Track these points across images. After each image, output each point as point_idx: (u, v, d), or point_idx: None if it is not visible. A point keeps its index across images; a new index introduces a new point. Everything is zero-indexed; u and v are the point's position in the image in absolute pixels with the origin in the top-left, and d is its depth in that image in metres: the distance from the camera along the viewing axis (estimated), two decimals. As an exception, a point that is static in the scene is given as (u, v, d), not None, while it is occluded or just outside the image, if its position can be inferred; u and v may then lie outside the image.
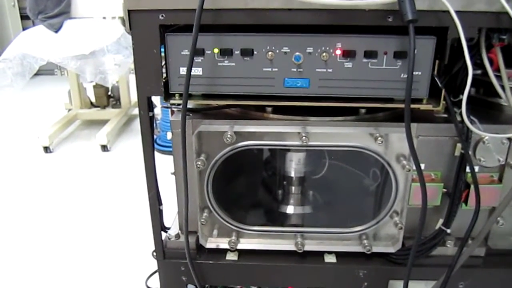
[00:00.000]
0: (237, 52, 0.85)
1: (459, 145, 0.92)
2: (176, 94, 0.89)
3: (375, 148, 0.92)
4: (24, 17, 4.00)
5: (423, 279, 1.00)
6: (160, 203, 0.98)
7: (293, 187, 1.10)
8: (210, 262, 1.02)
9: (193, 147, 0.92)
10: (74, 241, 1.95)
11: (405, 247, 1.00)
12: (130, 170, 2.59)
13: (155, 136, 3.05)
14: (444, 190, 0.96)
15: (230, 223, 1.00)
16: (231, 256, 1.03)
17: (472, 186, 0.93)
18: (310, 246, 1.00)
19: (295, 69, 0.85)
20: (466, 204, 0.96)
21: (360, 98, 0.87)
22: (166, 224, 1.06)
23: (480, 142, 0.92)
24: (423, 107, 0.87)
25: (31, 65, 2.79)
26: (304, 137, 0.89)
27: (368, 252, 0.98)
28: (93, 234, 2.01)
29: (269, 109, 0.95)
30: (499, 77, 0.91)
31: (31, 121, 3.55)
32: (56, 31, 2.90)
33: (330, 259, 1.02)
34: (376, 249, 1.00)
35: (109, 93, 3.43)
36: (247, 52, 0.84)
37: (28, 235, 2.03)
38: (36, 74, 4.51)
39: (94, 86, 3.34)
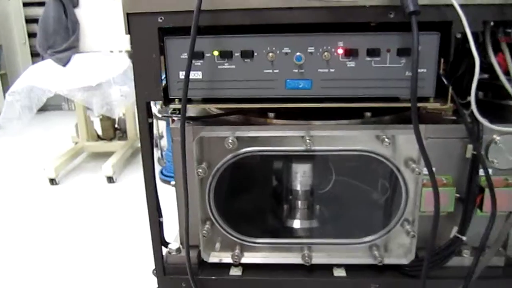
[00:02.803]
0: (237, 54, 0.83)
1: (470, 146, 0.88)
2: (176, 99, 0.87)
3: (382, 151, 0.88)
4: (34, 54, 4.08)
5: (439, 292, 0.94)
6: (160, 215, 0.95)
7: (299, 198, 1.06)
8: (213, 277, 0.97)
9: (193, 155, 0.89)
10: (80, 273, 1.90)
11: (419, 258, 0.94)
12: (136, 202, 2.55)
13: (160, 167, 3.04)
14: (457, 195, 0.91)
15: (233, 236, 0.96)
16: (235, 271, 0.98)
17: (486, 190, 0.89)
18: (318, 259, 0.96)
19: (296, 70, 0.83)
20: (481, 210, 0.91)
21: (365, 98, 0.85)
22: (168, 240, 1.02)
23: (491, 143, 0.89)
24: (430, 105, 0.84)
25: (39, 97, 2.82)
26: (308, 141, 0.86)
27: (380, 264, 0.93)
28: (99, 265, 1.96)
29: (272, 114, 0.92)
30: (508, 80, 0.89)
31: (38, 154, 3.56)
32: (64, 65, 2.95)
33: (339, 273, 0.97)
34: (388, 261, 0.94)
35: (116, 125, 3.44)
36: (247, 54, 0.83)
37: (34, 266, 1.98)
38: (44, 110, 4.60)
39: (100, 119, 3.35)
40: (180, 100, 0.85)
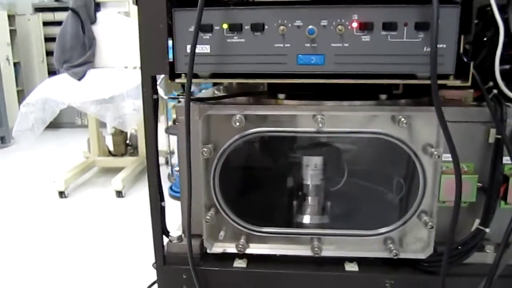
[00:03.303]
0: (247, 27, 0.80)
1: (493, 131, 0.83)
2: (183, 74, 0.83)
3: (398, 134, 0.83)
4: (51, 72, 4.14)
5: (459, 291, 0.86)
6: (162, 198, 0.90)
7: (310, 190, 1.00)
8: (216, 268, 0.91)
9: (199, 135, 0.85)
10: (88, 286, 1.85)
11: (438, 252, 0.87)
12: (145, 217, 2.50)
13: (170, 183, 3.00)
14: (479, 184, 0.85)
15: (239, 224, 0.90)
16: (239, 263, 0.92)
17: (511, 180, 0.83)
18: (329, 251, 0.89)
19: (308, 45, 0.80)
20: (505, 201, 0.85)
21: (380, 75, 0.80)
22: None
23: (516, 128, 0.83)
24: (450, 83, 0.79)
25: (53, 109, 2.83)
26: (320, 119, 0.81)
27: (395, 257, 0.86)
28: (106, 278, 1.91)
29: (282, 96, 0.88)
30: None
31: (49, 168, 3.55)
32: (79, 79, 2.97)
33: (351, 267, 0.90)
34: (404, 255, 0.88)
35: (127, 141, 3.43)
36: (257, 27, 0.80)
37: (43, 279, 1.94)
38: (58, 127, 4.64)
39: (112, 134, 3.35)
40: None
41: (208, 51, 0.82)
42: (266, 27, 0.80)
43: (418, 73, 0.79)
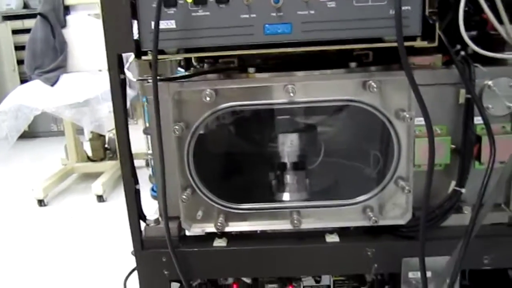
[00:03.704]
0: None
1: (462, 91, 0.83)
2: (149, 52, 0.82)
3: (370, 100, 0.83)
4: (23, 81, 4.05)
5: (440, 254, 0.86)
6: (136, 181, 0.88)
7: (287, 163, 0.99)
8: (195, 249, 0.89)
9: (170, 113, 0.84)
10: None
11: (416, 217, 0.87)
12: (127, 222, 2.47)
13: (151, 185, 2.97)
14: (453, 146, 0.86)
15: (216, 202, 0.89)
16: (219, 242, 0.90)
17: (483, 139, 0.83)
18: (308, 224, 0.88)
19: (274, 14, 0.79)
20: (479, 162, 0.85)
21: (348, 41, 0.80)
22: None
23: (485, 88, 0.84)
24: (417, 44, 0.79)
25: (26, 116, 2.77)
26: (291, 89, 0.81)
27: (375, 224, 0.86)
28: (91, 285, 1.87)
29: (252, 69, 0.87)
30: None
31: (27, 177, 3.48)
32: (52, 85, 2.91)
33: (332, 238, 0.89)
34: (383, 222, 0.87)
35: (106, 145, 3.38)
36: (222, -1, 0.79)
37: None
38: (34, 136, 4.55)
39: (90, 139, 3.30)
40: (153, 52, 0.80)
41: (174, 26, 0.80)
42: (230, -2, 0.79)
43: (386, 36, 0.79)
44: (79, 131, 3.40)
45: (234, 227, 0.89)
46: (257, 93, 0.84)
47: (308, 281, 1.02)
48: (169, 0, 0.78)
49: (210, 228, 0.89)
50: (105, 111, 2.86)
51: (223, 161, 1.03)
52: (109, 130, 3.25)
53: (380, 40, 0.80)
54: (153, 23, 0.79)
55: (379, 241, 0.88)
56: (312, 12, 0.79)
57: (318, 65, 0.85)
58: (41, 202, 2.89)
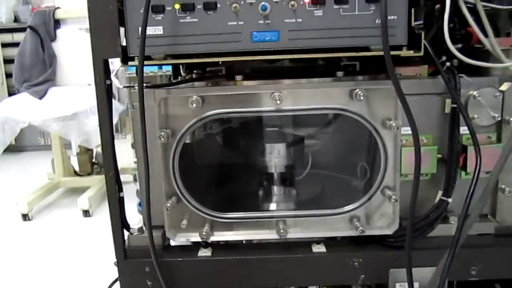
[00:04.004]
0: (200, 6, 0.79)
1: (448, 101, 0.84)
2: (136, 57, 0.81)
3: (357, 109, 0.83)
4: (12, 94, 4.02)
5: (427, 265, 0.85)
6: (120, 189, 0.86)
7: (274, 173, 0.99)
8: (179, 259, 0.88)
9: (156, 120, 0.83)
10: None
11: (403, 227, 0.86)
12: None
13: (139, 200, 2.93)
14: (439, 156, 0.86)
15: (201, 211, 0.87)
16: (204, 252, 0.89)
17: (469, 149, 0.84)
18: (295, 234, 0.87)
19: (262, 21, 0.79)
20: (465, 171, 0.85)
21: (334, 49, 0.80)
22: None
23: (470, 99, 0.84)
24: (403, 53, 0.80)
25: (13, 129, 2.74)
26: (278, 96, 0.80)
27: (362, 234, 0.85)
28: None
29: (240, 77, 0.87)
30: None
31: (12, 191, 3.42)
32: (40, 98, 2.90)
33: (318, 249, 0.88)
34: (370, 232, 0.87)
35: (93, 160, 3.35)
36: (210, 6, 0.79)
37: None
38: (21, 150, 4.49)
39: (77, 153, 3.26)
40: (140, 58, 0.80)
41: (161, 32, 0.80)
42: (218, 5, 0.79)
43: (372, 45, 0.80)
44: (66, 145, 3.36)
45: (220, 236, 0.88)
46: (244, 100, 0.84)
47: (295, 292, 1.00)
48: (157, 6, 0.79)
49: (195, 237, 0.87)
50: (93, 125, 2.83)
51: (209, 170, 1.02)
52: (97, 145, 3.24)
53: (366, 49, 0.80)
54: (140, 28, 0.79)
55: (366, 252, 0.87)
56: (300, 20, 0.79)
57: (305, 75, 0.85)
58: (25, 217, 2.84)
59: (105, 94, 0.82)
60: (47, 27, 2.99)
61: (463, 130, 0.85)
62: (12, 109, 2.77)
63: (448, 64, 0.85)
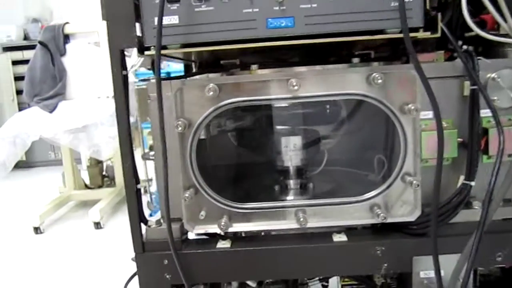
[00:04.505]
0: (215, -6, 0.79)
1: (467, 83, 0.83)
2: (152, 47, 0.81)
3: (375, 94, 0.82)
4: (22, 110, 4.07)
5: (451, 252, 0.83)
6: (137, 181, 0.86)
7: (290, 166, 0.97)
8: (199, 251, 0.86)
9: (173, 110, 0.83)
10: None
11: (426, 213, 0.85)
12: (125, 247, 2.41)
13: (149, 211, 2.92)
14: (460, 140, 0.84)
15: (220, 202, 0.86)
16: (223, 244, 0.87)
17: (490, 131, 0.82)
18: (315, 223, 0.86)
19: (277, 8, 0.79)
20: (487, 154, 0.84)
21: (350, 33, 0.80)
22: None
23: (489, 81, 0.83)
24: (420, 35, 0.79)
25: (24, 142, 2.75)
26: (295, 82, 0.80)
27: (384, 221, 0.83)
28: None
29: (255, 66, 0.87)
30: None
31: (23, 205, 3.43)
32: (51, 112, 2.92)
33: (339, 238, 0.87)
34: (392, 220, 0.85)
35: (104, 172, 3.36)
36: (225, -7, 0.79)
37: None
38: (32, 166, 4.52)
39: (88, 166, 3.27)
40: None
41: (177, 21, 0.80)
42: (233, -7, 0.79)
43: (387, 28, 0.79)
44: (77, 160, 3.38)
45: (239, 227, 0.87)
46: (260, 89, 0.83)
47: (315, 285, 0.98)
48: (172, -4, 0.79)
49: (214, 228, 0.86)
50: (104, 136, 2.84)
51: (226, 161, 1.01)
52: (106, 159, 3.24)
53: (382, 32, 0.80)
54: (156, 19, 0.79)
55: (388, 239, 0.85)
56: (314, 5, 0.79)
57: (321, 58, 0.84)
58: (37, 230, 2.84)
59: (121, 84, 0.82)
60: (56, 42, 3.02)
61: (483, 113, 0.83)
62: (23, 123, 2.79)
63: (465, 47, 0.84)
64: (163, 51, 0.80)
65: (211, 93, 0.81)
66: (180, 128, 0.82)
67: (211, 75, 0.90)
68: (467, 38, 0.94)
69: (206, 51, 0.96)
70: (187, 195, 0.84)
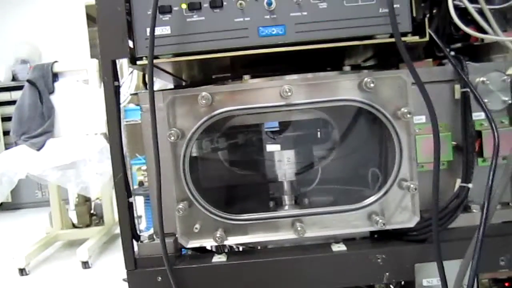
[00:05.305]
0: (206, 5, 0.80)
1: (457, 87, 0.84)
2: (144, 58, 0.82)
3: (367, 99, 0.82)
4: (8, 145, 4.02)
5: (452, 258, 0.81)
6: (129, 194, 0.83)
7: (285, 180, 0.95)
8: (194, 266, 0.83)
9: (165, 121, 0.82)
10: None
11: (425, 218, 0.83)
12: (114, 287, 2.33)
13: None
14: (454, 143, 0.84)
15: (214, 214, 0.84)
16: (219, 258, 0.84)
17: (483, 133, 0.83)
18: (313, 232, 0.83)
19: (268, 16, 0.81)
20: (482, 157, 0.84)
21: (340, 39, 0.81)
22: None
23: (479, 84, 0.84)
24: (409, 39, 0.81)
25: (10, 180, 2.70)
26: (288, 89, 0.80)
27: (383, 228, 0.81)
28: None
29: (247, 76, 0.87)
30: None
31: (8, 247, 3.32)
32: (38, 149, 2.88)
33: (338, 247, 0.84)
34: (391, 227, 0.83)
35: (92, 211, 3.28)
36: (216, 3, 0.80)
37: None
38: (18, 208, 4.41)
39: (76, 205, 3.21)
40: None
41: (169, 32, 0.81)
42: (224, 3, 0.80)
43: (377, 34, 0.81)
44: (65, 200, 3.31)
45: (235, 240, 0.84)
46: (253, 96, 0.83)
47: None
48: (164, 7, 0.80)
49: (209, 242, 0.83)
50: (92, 172, 2.80)
51: (220, 173, 0.99)
52: (95, 197, 3.19)
53: (371, 37, 0.81)
54: (148, 29, 0.80)
55: (388, 247, 0.83)
56: (305, 13, 0.80)
57: (312, 66, 0.85)
58: (22, 271, 2.74)
59: (113, 94, 0.81)
60: (45, 80, 3.03)
61: (475, 116, 0.84)
62: (10, 161, 2.75)
63: (453, 53, 0.86)
64: (155, 61, 0.80)
65: (204, 101, 0.80)
66: (173, 138, 0.80)
67: (203, 87, 0.90)
68: (454, 50, 0.96)
69: (197, 68, 0.97)
70: (180, 206, 0.82)
